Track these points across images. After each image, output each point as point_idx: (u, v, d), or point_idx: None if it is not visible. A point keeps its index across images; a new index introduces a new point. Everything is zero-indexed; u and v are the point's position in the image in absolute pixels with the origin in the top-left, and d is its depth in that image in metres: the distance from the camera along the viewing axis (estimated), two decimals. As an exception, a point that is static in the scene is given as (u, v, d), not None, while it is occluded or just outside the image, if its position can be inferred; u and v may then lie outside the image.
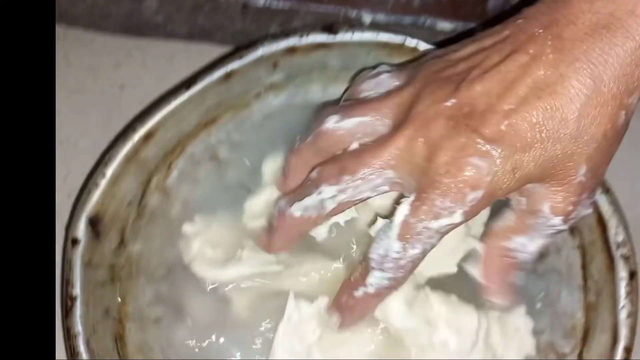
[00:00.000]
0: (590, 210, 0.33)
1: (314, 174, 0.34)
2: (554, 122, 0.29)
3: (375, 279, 0.33)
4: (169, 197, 0.40)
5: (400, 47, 0.41)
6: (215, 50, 0.47)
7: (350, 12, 0.43)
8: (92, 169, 0.41)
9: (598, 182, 0.32)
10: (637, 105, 0.31)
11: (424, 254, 0.32)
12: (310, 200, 0.33)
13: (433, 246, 0.32)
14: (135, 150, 0.37)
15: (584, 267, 0.40)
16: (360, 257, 0.35)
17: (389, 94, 0.34)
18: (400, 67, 0.36)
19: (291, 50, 0.40)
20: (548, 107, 0.29)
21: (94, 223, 0.37)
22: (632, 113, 0.30)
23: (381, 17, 0.43)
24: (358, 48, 0.41)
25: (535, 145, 0.29)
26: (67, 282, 0.35)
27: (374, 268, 0.33)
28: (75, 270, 0.35)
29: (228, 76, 0.39)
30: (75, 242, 0.36)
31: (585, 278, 0.40)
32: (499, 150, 0.30)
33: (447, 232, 0.32)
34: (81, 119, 0.45)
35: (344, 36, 0.40)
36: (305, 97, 0.43)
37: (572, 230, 0.41)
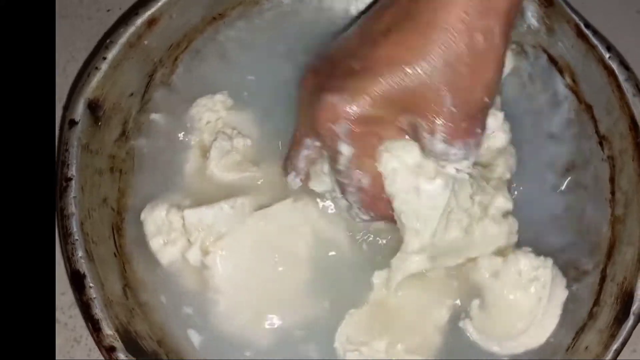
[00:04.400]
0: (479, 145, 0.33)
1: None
2: (401, 53, 0.30)
3: None
4: (173, 94, 0.39)
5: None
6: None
7: None
8: (92, 53, 0.40)
9: (479, 110, 0.32)
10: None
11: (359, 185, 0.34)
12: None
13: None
14: (138, 35, 0.36)
15: (612, 179, 0.37)
16: None
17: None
18: None
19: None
20: (395, 41, 0.30)
21: (93, 108, 0.36)
22: (499, 37, 0.30)
23: None
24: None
25: (388, 74, 0.30)
26: (62, 163, 0.35)
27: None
28: (72, 151, 0.35)
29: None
30: (72, 123, 0.35)
31: (613, 191, 0.37)
32: (352, 83, 0.31)
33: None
34: (68, 45, 0.44)
35: None
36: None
37: (602, 140, 0.38)
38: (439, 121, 0.31)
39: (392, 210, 0.34)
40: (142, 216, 0.36)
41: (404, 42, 0.30)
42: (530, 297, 0.34)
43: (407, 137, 0.33)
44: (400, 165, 0.33)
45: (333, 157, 0.34)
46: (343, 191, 0.35)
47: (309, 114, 0.33)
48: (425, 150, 0.33)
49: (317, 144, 0.34)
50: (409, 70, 0.30)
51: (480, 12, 0.29)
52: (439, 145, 0.32)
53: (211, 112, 0.38)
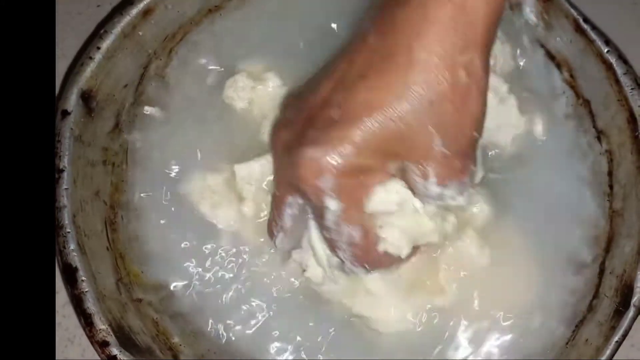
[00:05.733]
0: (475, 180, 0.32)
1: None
2: (381, 97, 0.29)
3: None
4: (167, 87, 0.38)
5: None
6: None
7: None
8: (86, 43, 0.39)
9: (469, 146, 0.31)
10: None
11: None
12: None
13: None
14: (133, 25, 0.36)
15: (611, 173, 0.37)
16: None
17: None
18: None
19: None
20: (373, 85, 0.29)
21: (87, 98, 0.35)
22: (481, 69, 0.29)
23: None
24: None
25: (370, 119, 0.29)
26: (54, 155, 0.34)
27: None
28: (64, 142, 0.34)
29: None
30: (65, 114, 0.34)
31: (611, 185, 0.37)
32: (333, 133, 0.29)
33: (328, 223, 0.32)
34: (58, 42, 0.42)
35: None
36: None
37: (599, 135, 0.38)
38: (431, 165, 0.30)
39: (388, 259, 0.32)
40: (182, 190, 0.36)
41: (383, 85, 0.29)
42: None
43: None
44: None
45: (319, 214, 0.32)
46: (333, 248, 0.33)
47: (288, 172, 0.31)
48: (418, 195, 0.31)
49: (300, 201, 0.33)
50: (392, 114, 0.29)
51: (460, 46, 0.28)
52: (434, 189, 0.31)
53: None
